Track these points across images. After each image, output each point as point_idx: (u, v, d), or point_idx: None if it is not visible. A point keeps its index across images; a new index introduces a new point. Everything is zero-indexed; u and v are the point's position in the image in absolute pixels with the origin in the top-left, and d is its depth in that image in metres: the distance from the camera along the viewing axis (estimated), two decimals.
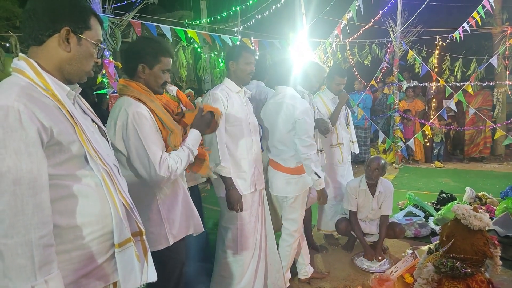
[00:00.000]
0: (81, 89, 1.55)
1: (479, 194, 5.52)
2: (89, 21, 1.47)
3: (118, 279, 1.47)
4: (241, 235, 3.08)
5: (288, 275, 3.57)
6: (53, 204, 1.29)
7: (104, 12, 4.19)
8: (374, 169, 3.95)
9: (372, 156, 4.12)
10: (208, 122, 2.44)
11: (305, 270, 3.70)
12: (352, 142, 4.62)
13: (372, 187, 4.08)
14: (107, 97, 4.48)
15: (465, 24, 7.87)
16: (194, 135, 2.30)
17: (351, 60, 10.20)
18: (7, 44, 6.03)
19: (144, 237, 1.60)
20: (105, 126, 1.71)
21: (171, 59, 2.28)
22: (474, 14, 7.69)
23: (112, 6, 4.30)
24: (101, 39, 1.56)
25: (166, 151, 2.14)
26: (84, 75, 1.51)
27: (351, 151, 4.65)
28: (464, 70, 10.58)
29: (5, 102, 1.21)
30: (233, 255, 3.10)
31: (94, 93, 6.00)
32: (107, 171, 1.45)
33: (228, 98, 2.94)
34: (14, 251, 1.19)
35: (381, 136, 8.90)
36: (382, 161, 3.99)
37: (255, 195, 3.14)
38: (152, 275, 1.56)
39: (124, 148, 2.10)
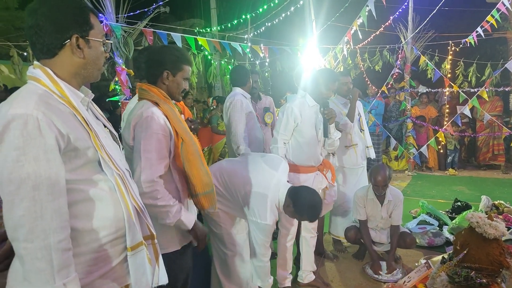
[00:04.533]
0: (93, 95, 1.58)
1: (496, 202, 5.42)
2: (90, 20, 1.47)
3: (130, 281, 1.50)
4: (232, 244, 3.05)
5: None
6: (69, 208, 1.33)
7: (117, 21, 4.28)
8: (381, 184, 3.87)
9: (374, 169, 3.96)
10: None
11: (302, 275, 3.75)
12: (367, 147, 4.60)
13: (381, 196, 4.03)
14: (119, 103, 4.54)
15: (478, 29, 7.83)
16: (190, 220, 2.22)
17: (361, 66, 10.18)
18: (25, 53, 6.18)
19: (156, 241, 1.64)
20: (117, 131, 1.74)
21: (190, 68, 2.36)
22: (489, 18, 7.64)
23: (125, 15, 4.39)
24: (104, 32, 1.58)
25: (175, 161, 2.18)
26: (99, 74, 1.56)
27: (367, 156, 4.62)
28: (479, 75, 10.48)
29: (25, 110, 1.25)
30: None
31: (107, 99, 6.08)
32: (120, 176, 1.48)
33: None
34: (34, 255, 1.22)
35: (393, 142, 8.87)
36: (387, 172, 3.91)
37: None
38: (163, 278, 1.61)
39: None
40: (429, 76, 9.26)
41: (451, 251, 3.03)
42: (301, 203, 2.81)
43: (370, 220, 4.14)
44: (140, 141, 2.09)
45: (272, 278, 3.10)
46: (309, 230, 3.72)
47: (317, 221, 3.56)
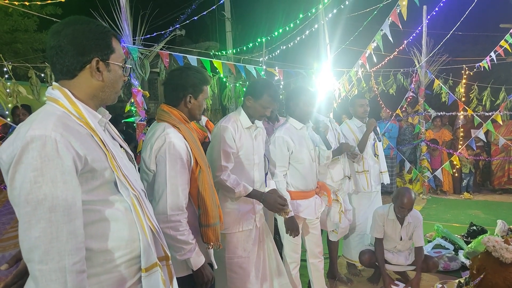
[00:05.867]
0: (110, 115, 1.59)
1: None
2: (112, 44, 1.49)
3: None
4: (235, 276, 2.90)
5: None
6: (85, 229, 1.32)
7: (134, 43, 4.35)
8: (408, 207, 3.82)
9: (401, 190, 3.93)
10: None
11: None
12: (382, 172, 4.55)
13: (401, 218, 3.98)
14: (134, 125, 4.59)
15: (492, 54, 7.80)
16: (197, 261, 2.17)
17: (375, 89, 10.18)
18: (43, 74, 6.31)
19: (170, 262, 1.62)
20: (133, 152, 1.76)
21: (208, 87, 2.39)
22: (502, 42, 7.63)
23: (142, 37, 4.46)
24: (124, 57, 1.59)
25: (193, 187, 2.18)
26: (116, 96, 1.57)
27: (380, 182, 4.58)
28: (493, 99, 10.40)
29: (44, 132, 1.25)
30: None
31: (123, 121, 6.15)
32: (136, 196, 1.48)
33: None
34: (48, 277, 1.21)
35: (407, 165, 8.79)
36: (413, 196, 3.87)
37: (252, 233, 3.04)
38: None
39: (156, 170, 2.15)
40: (443, 99, 9.21)
41: (468, 276, 2.98)
42: (254, 84, 3.00)
43: (388, 241, 4.08)
44: (164, 166, 2.09)
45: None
46: (316, 255, 3.66)
47: (322, 244, 3.53)
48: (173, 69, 2.45)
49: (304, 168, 3.42)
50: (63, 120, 1.32)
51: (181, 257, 2.11)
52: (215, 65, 5.56)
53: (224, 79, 9.23)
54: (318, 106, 3.87)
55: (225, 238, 2.83)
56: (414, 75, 8.93)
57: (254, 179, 2.97)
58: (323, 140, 3.48)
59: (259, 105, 2.90)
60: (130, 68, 1.69)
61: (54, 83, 1.46)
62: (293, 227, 3.23)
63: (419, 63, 8.62)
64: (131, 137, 6.76)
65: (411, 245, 4.15)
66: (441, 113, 9.07)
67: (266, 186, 3.15)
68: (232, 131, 2.81)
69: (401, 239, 4.02)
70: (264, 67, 6.71)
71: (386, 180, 4.59)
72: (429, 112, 8.93)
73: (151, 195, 2.12)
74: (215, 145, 2.79)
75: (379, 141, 4.47)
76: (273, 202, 2.86)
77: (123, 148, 1.63)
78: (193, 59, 5.05)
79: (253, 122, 2.97)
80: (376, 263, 4.12)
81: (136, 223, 1.45)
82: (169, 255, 1.61)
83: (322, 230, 3.91)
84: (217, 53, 10.56)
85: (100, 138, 1.40)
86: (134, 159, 1.69)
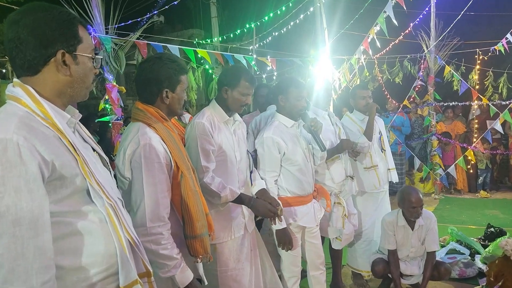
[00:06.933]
0: (81, 115, 1.57)
1: None
2: (78, 33, 1.45)
3: None
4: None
5: None
6: (55, 244, 1.30)
7: (107, 32, 4.32)
8: (418, 205, 3.80)
9: (404, 191, 3.94)
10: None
11: None
12: (389, 169, 4.54)
13: (411, 221, 3.96)
14: (109, 125, 4.56)
15: (508, 35, 7.84)
16: (184, 278, 2.14)
17: (380, 78, 10.20)
18: (3, 70, 6.24)
19: (152, 279, 1.61)
20: (108, 156, 1.74)
21: (187, 75, 2.36)
22: None
23: (116, 26, 4.43)
24: (94, 46, 1.56)
25: (176, 195, 2.17)
26: (87, 92, 1.55)
27: (389, 180, 4.57)
28: (510, 86, 10.45)
29: (4, 135, 1.22)
30: None
31: (96, 120, 6.10)
32: (111, 206, 1.46)
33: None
34: None
35: (417, 162, 8.81)
36: (420, 194, 3.89)
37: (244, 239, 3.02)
38: None
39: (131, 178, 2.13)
40: (455, 88, 9.25)
41: (485, 283, 3.00)
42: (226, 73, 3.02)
43: (399, 249, 4.06)
44: (140, 172, 2.07)
45: None
46: (317, 267, 3.62)
47: (323, 254, 3.53)
48: (142, 62, 2.39)
49: (299, 170, 3.37)
50: (26, 121, 1.30)
51: (165, 274, 2.07)
52: (200, 55, 5.54)
53: (210, 71, 9.19)
54: (315, 99, 3.85)
55: (216, 249, 2.79)
56: (422, 61, 8.94)
57: (238, 180, 2.94)
58: (317, 141, 3.37)
59: (237, 94, 2.87)
60: (102, 59, 1.65)
61: (15, 79, 1.43)
62: (285, 239, 3.20)
63: (427, 48, 8.62)
64: (105, 139, 6.71)
65: (424, 251, 4.14)
66: (453, 103, 9.11)
67: (252, 185, 3.12)
68: (208, 127, 2.76)
69: (412, 245, 4.01)
70: (255, 56, 6.69)
71: (395, 178, 4.58)
72: (439, 102, 8.96)
73: (128, 205, 2.08)
74: (191, 145, 2.74)
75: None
76: (263, 208, 2.87)
77: (97, 152, 1.61)
78: (174, 49, 5.03)
79: (230, 116, 2.93)
80: (389, 274, 4.10)
81: (113, 235, 1.44)
82: (151, 270, 1.61)
83: (323, 238, 3.90)
84: (201, 41, 10.53)
85: (69, 141, 1.38)
86: (109, 163, 1.67)
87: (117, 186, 1.86)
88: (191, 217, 2.18)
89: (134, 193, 2.09)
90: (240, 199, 2.84)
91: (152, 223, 2.04)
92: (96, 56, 1.54)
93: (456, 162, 8.47)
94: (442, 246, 5.25)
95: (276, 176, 3.34)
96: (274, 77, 9.09)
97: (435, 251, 4.01)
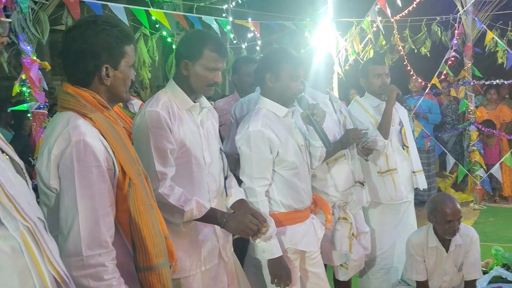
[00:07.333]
0: None
1: None
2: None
3: None
4: None
5: None
6: None
7: None
8: (457, 217, 3.77)
9: (435, 200, 3.96)
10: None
11: None
12: (415, 172, 4.54)
13: (446, 241, 3.96)
14: (28, 115, 4.46)
15: None
16: None
17: (401, 48, 10.21)
18: None
19: None
20: (25, 160, 1.67)
21: (134, 46, 2.31)
22: None
23: None
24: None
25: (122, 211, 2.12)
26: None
27: (414, 186, 4.58)
28: None
29: None
30: None
31: (9, 109, 6.04)
32: (29, 229, 1.39)
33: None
34: None
35: (451, 162, 8.87)
36: (457, 203, 3.88)
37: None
38: None
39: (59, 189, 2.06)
40: (500, 60, 9.30)
41: None
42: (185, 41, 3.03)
43: (430, 278, 4.07)
44: (72, 181, 2.00)
45: None
46: None
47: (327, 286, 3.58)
48: (71, 27, 2.34)
49: (296, 175, 3.35)
50: None
51: None
52: (154, 17, 5.57)
53: (170, 39, 9.16)
54: (313, 77, 3.79)
55: (180, 286, 2.80)
56: (456, 25, 8.98)
57: (208, 190, 2.93)
58: (319, 134, 3.30)
59: (201, 68, 2.82)
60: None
61: None
62: (281, 272, 3.15)
63: (463, 8, 8.62)
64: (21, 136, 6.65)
65: (461, 280, 4.16)
66: (498, 81, 9.12)
67: (227, 195, 3.11)
68: (165, 117, 2.74)
69: (446, 273, 4.03)
70: (231, 18, 6.63)
71: (422, 184, 4.57)
72: (480, 80, 8.98)
73: (55, 228, 2.02)
74: (142, 143, 2.74)
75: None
76: (239, 224, 2.82)
77: (7, 154, 1.54)
78: (119, 9, 5.03)
79: (194, 101, 2.91)
80: None
81: (31, 270, 1.37)
82: None
83: (325, 266, 3.89)
84: None
85: None
86: (25, 170, 1.61)
87: (39, 202, 1.89)
88: (143, 241, 2.14)
89: (63, 210, 2.02)
90: (210, 216, 2.81)
91: (90, 250, 1.97)
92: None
93: (502, 160, 8.56)
94: (485, 273, 5.27)
95: (267, 185, 3.29)
96: (258, 48, 9.05)
97: (475, 280, 4.06)
